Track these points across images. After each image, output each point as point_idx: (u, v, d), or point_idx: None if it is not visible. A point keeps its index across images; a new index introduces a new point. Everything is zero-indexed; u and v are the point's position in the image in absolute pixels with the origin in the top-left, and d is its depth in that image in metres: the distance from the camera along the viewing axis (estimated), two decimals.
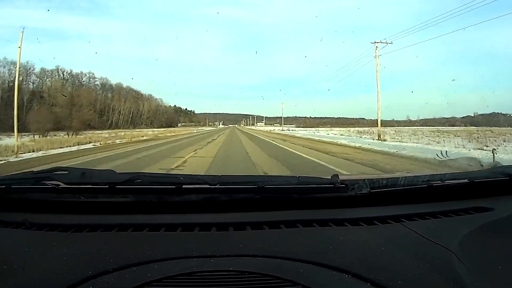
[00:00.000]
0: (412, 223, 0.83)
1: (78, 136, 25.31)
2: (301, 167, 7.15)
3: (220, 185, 0.89)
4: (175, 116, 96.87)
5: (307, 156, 9.27)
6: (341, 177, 0.94)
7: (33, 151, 12.55)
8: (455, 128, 47.61)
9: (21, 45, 13.56)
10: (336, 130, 42.71)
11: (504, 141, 14.69)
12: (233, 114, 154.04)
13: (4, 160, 9.83)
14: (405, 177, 1.01)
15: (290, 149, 12.12)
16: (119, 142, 19.46)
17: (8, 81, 46.85)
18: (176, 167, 7.16)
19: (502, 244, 0.73)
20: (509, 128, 29.56)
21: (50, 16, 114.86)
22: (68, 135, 26.17)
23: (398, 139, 19.92)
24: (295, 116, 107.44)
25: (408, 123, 75.87)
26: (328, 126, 78.91)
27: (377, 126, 19.98)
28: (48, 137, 23.33)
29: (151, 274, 0.59)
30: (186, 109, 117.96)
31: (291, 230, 0.80)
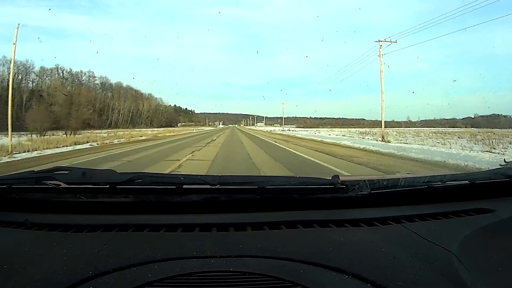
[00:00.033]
0: (412, 224, 0.83)
1: (76, 135, 25.15)
2: (312, 174, 6.81)
3: (220, 185, 0.88)
4: (175, 116, 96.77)
5: (315, 160, 8.76)
6: (341, 178, 0.93)
7: (28, 151, 12.38)
8: (456, 129, 47.33)
9: (15, 41, 13.25)
10: (337, 131, 42.10)
11: (510, 143, 14.32)
12: (233, 114, 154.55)
13: None
14: (406, 178, 1.00)
15: (294, 151, 11.72)
16: (117, 142, 19.30)
17: (8, 80, 46.68)
18: (169, 172, 6.94)
19: (503, 246, 0.72)
20: (510, 129, 29.27)
21: (51, 15, 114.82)
22: (67, 135, 26.00)
23: (402, 140, 19.50)
24: (295, 117, 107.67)
25: (409, 124, 75.80)
26: (328, 126, 79.00)
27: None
28: (46, 136, 23.08)
29: (151, 275, 0.59)
30: (186, 108, 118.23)
31: (292, 230, 0.79)
